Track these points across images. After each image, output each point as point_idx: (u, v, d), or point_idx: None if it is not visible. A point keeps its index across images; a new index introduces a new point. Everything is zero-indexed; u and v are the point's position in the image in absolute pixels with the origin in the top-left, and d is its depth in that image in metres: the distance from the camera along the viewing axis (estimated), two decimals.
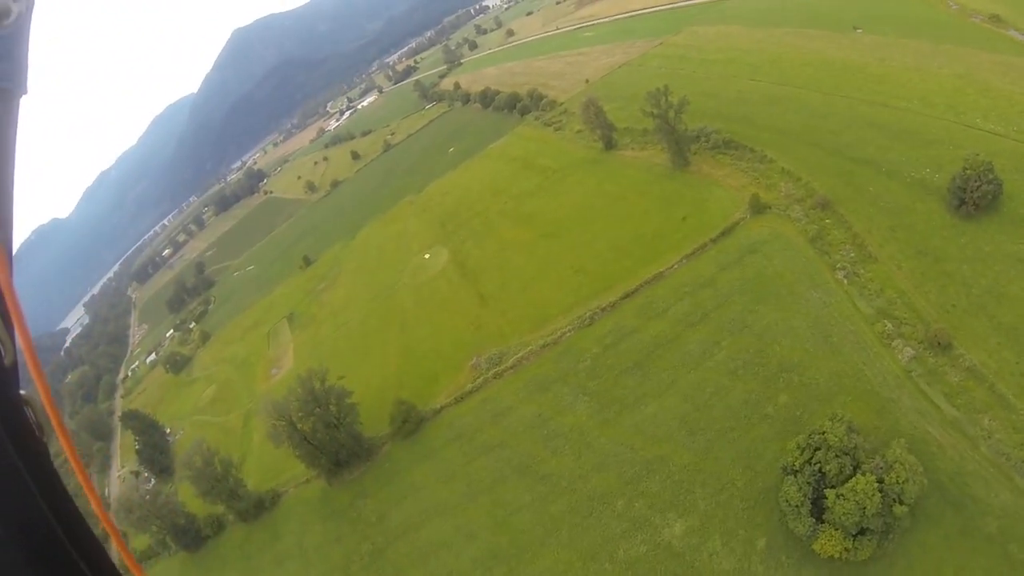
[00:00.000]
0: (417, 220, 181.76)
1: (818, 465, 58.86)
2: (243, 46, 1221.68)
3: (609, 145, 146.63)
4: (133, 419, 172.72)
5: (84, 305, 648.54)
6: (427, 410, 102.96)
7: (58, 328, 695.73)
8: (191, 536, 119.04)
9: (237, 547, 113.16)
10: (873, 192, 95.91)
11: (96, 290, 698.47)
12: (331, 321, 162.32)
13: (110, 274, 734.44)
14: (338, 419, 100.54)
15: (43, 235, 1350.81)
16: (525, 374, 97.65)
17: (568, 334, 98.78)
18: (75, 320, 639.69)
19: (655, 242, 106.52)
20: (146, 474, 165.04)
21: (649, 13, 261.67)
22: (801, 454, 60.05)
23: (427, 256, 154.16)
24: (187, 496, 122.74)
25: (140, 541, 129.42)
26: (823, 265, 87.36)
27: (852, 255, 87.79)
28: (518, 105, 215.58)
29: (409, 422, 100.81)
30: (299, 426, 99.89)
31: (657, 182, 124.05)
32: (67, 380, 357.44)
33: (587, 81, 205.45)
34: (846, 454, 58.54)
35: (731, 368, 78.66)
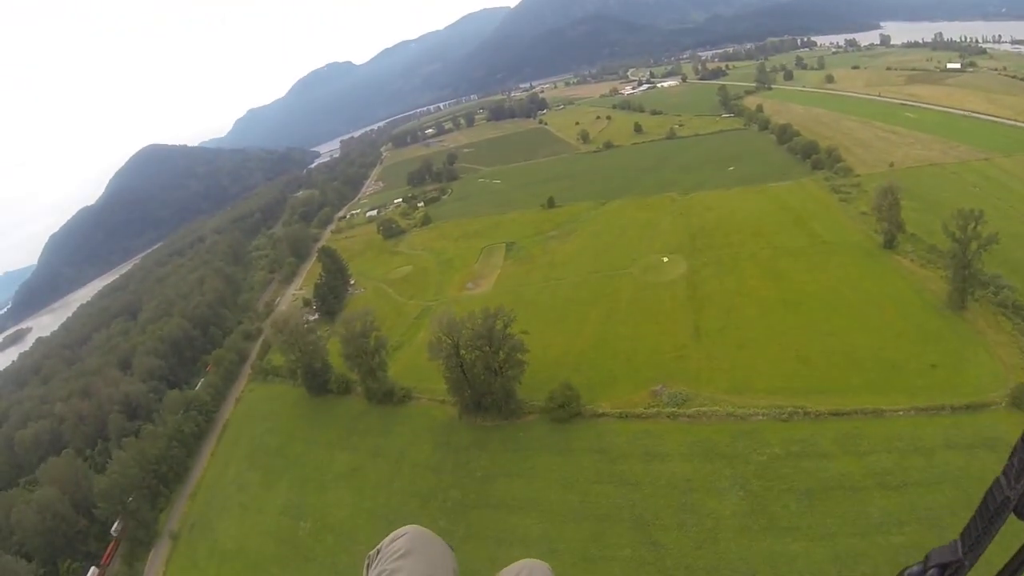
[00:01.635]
0: (671, 221, 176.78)
1: None
2: None
3: (889, 244, 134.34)
4: (328, 256, 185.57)
5: (341, 141, 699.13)
6: (588, 408, 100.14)
7: (311, 149, 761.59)
8: (319, 382, 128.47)
9: (349, 417, 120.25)
10: None
11: (357, 134, 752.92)
12: (546, 270, 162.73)
13: (375, 127, 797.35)
14: (501, 368, 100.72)
15: (337, 69, 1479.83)
16: (698, 431, 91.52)
17: (759, 418, 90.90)
18: (328, 150, 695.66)
19: (892, 373, 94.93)
20: (314, 307, 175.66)
21: (983, 119, 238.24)
22: None
23: (666, 260, 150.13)
24: (334, 347, 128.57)
25: (277, 358, 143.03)
26: None
27: None
28: (813, 156, 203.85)
29: (565, 409, 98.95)
30: (461, 352, 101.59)
31: (923, 310, 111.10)
32: (296, 194, 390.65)
33: (892, 164, 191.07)
34: None
35: (899, 562, 69.37)
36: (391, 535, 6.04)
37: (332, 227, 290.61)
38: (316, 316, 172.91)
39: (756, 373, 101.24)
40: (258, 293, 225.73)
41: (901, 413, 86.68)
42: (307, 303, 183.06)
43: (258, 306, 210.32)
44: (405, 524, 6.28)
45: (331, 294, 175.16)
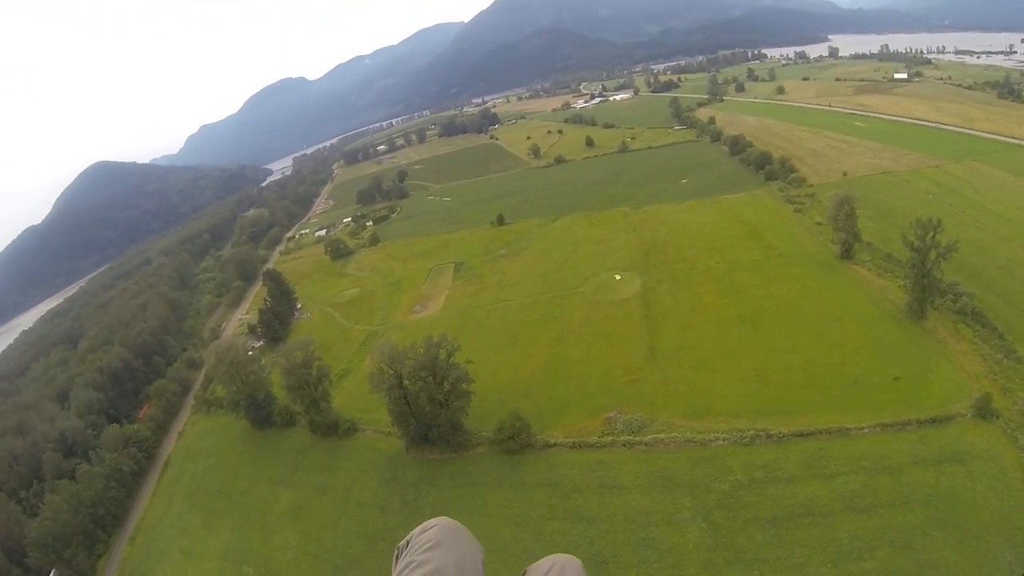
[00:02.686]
0: (624, 236, 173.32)
1: None
2: None
3: (846, 254, 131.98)
4: (273, 279, 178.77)
5: (294, 158, 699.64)
6: (539, 438, 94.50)
7: (264, 166, 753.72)
8: (262, 414, 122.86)
9: (294, 451, 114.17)
10: None
11: (309, 151, 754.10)
12: (495, 290, 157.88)
13: (328, 143, 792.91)
14: (446, 399, 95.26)
15: (290, 85, 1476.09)
16: (656, 460, 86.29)
17: (720, 443, 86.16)
18: (281, 167, 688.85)
19: (855, 389, 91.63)
20: (259, 333, 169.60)
21: (932, 127, 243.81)
22: None
23: (618, 278, 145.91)
24: (279, 377, 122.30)
25: (220, 389, 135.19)
26: None
27: None
28: (767, 167, 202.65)
29: (515, 440, 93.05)
30: (405, 383, 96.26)
31: (883, 321, 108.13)
32: (247, 213, 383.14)
33: (845, 174, 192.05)
34: None
35: None
36: (421, 526, 5.95)
37: (281, 248, 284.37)
38: (261, 343, 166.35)
39: (715, 395, 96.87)
40: (204, 318, 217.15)
41: (866, 430, 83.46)
42: (252, 329, 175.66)
43: (204, 332, 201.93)
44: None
45: (276, 320, 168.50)
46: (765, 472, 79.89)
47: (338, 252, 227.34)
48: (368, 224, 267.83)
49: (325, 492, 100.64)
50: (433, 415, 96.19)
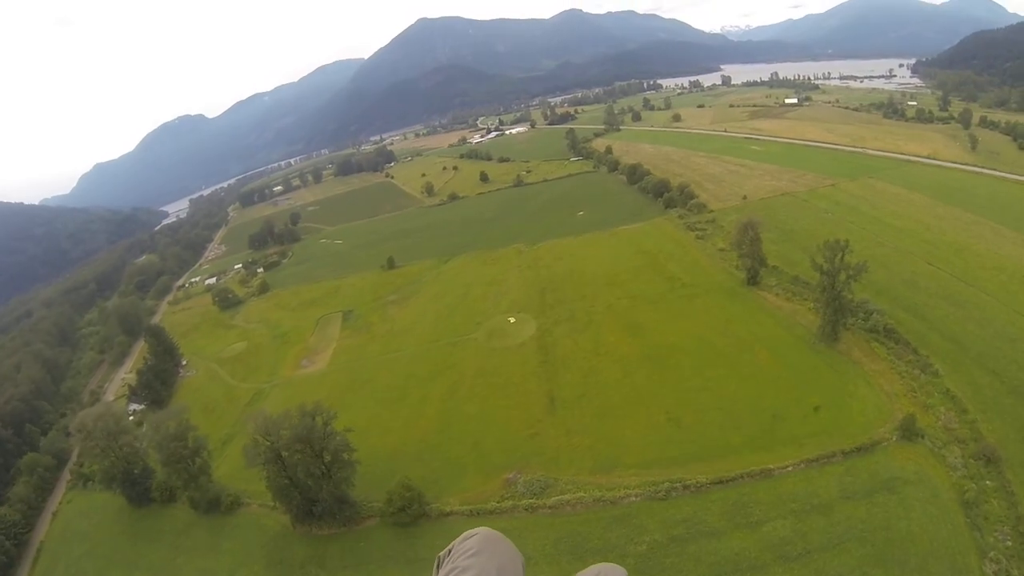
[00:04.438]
0: (518, 275, 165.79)
1: None
2: (423, 36, 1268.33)
3: (752, 280, 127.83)
4: (154, 335, 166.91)
5: (190, 200, 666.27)
6: (434, 507, 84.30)
7: (160, 208, 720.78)
8: (139, 491, 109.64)
9: (174, 532, 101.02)
10: None
11: (207, 192, 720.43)
12: (385, 340, 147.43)
13: (226, 184, 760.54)
14: (327, 472, 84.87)
15: (188, 123, 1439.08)
16: (563, 525, 77.22)
17: (633, 500, 77.77)
18: (177, 209, 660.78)
19: (775, 424, 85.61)
20: (140, 394, 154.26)
21: (825, 148, 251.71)
22: None
23: (512, 320, 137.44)
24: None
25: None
26: (971, 545, 65.26)
27: (1009, 544, 65.98)
28: (665, 195, 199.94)
29: (407, 512, 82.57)
30: (284, 454, 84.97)
31: (796, 348, 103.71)
32: (138, 260, 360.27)
33: (744, 197, 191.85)
34: None
35: None
36: (463, 535, 6.01)
37: (170, 297, 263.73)
38: (142, 406, 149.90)
39: (623, 445, 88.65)
40: (86, 378, 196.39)
41: (790, 469, 78.17)
42: (133, 391, 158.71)
43: (84, 395, 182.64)
44: None
45: (158, 380, 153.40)
46: (685, 528, 72.60)
47: (227, 302, 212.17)
48: (259, 271, 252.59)
49: None
50: (316, 489, 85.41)
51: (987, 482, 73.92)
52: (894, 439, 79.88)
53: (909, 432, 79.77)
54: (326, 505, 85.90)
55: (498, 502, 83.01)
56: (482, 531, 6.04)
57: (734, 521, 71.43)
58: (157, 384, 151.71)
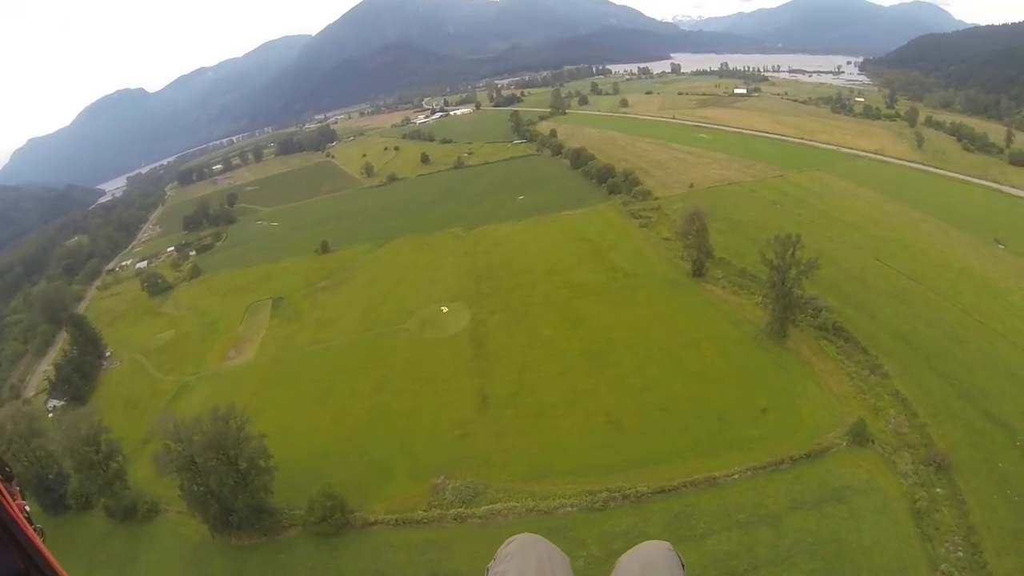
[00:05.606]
0: (454, 261, 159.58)
1: None
2: (372, 13, 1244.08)
3: (698, 272, 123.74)
4: (75, 325, 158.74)
5: (128, 178, 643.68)
6: (358, 516, 77.96)
7: (96, 187, 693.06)
8: (55, 498, 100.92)
9: (91, 542, 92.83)
10: (1003, 471, 72.86)
11: (145, 170, 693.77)
12: (313, 330, 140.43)
13: (165, 162, 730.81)
14: (242, 479, 78.04)
15: (128, 97, 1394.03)
16: (494, 536, 68.04)
17: (569, 510, 72.43)
18: (114, 187, 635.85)
19: (721, 428, 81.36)
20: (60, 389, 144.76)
21: (774, 139, 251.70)
22: None
23: (445, 310, 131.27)
24: None
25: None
26: (923, 557, 62.65)
27: (960, 555, 63.43)
28: (609, 180, 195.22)
29: (328, 522, 76.25)
30: (198, 461, 77.61)
31: (743, 344, 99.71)
32: (67, 243, 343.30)
33: (691, 186, 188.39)
34: None
35: None
36: (506, 541, 5.96)
37: (98, 282, 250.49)
38: (62, 402, 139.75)
39: (559, 449, 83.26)
40: (7, 371, 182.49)
41: (737, 476, 74.19)
42: (53, 386, 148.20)
43: (3, 390, 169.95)
44: None
45: (78, 373, 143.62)
46: (625, 541, 64.38)
47: (156, 287, 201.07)
48: (191, 254, 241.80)
49: None
50: (231, 498, 78.86)
51: (938, 490, 71.42)
52: (844, 444, 76.67)
53: (859, 437, 76.92)
54: (243, 515, 79.40)
55: (425, 511, 77.09)
56: (522, 536, 5.94)
57: (677, 534, 66.82)
58: (77, 378, 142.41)
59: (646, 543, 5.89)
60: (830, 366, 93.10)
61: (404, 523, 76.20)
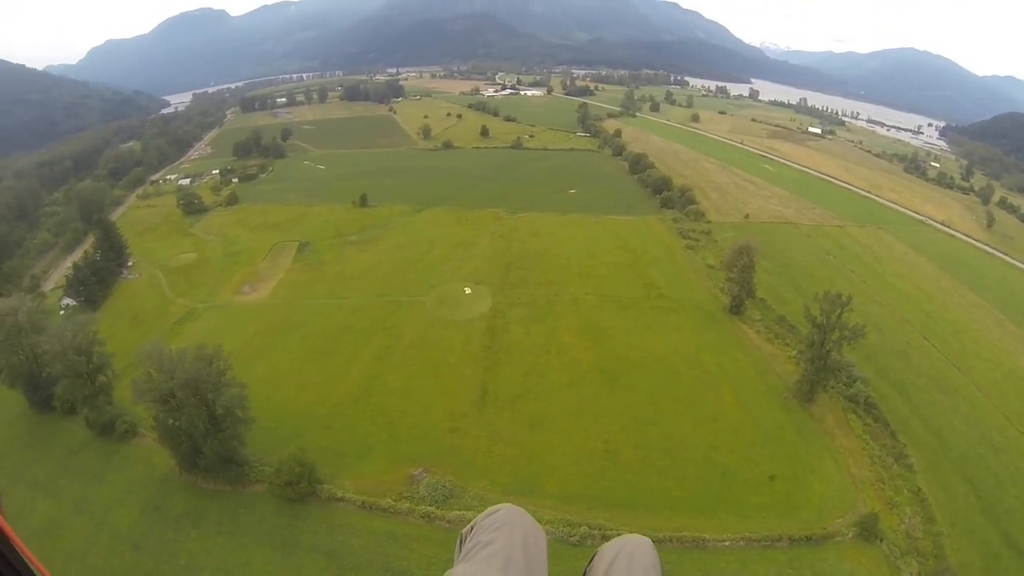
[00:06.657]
0: (489, 242, 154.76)
1: None
2: None
3: (736, 308, 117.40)
4: (103, 229, 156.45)
5: (194, 95, 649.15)
6: (326, 489, 74.03)
7: (161, 97, 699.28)
8: (42, 396, 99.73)
9: (67, 449, 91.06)
10: None
11: (212, 90, 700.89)
12: (332, 283, 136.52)
13: (232, 85, 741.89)
14: (214, 426, 74.49)
15: (210, 16, 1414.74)
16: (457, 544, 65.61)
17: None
18: (179, 101, 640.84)
19: (722, 486, 75.23)
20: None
21: (840, 186, 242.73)
22: None
23: (468, 291, 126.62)
24: None
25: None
26: None
27: None
28: (664, 193, 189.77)
29: (294, 488, 72.40)
30: (179, 395, 73.78)
31: (766, 398, 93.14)
32: (120, 146, 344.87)
33: (747, 216, 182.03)
34: None
35: None
36: (486, 511, 6.00)
37: (140, 191, 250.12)
38: (75, 302, 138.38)
39: (549, 468, 77.82)
40: (33, 260, 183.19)
41: (728, 543, 67.79)
42: (69, 284, 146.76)
43: (25, 278, 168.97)
44: None
45: (94, 277, 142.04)
46: None
47: (191, 207, 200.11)
48: (233, 181, 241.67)
49: (83, 511, 77.91)
50: (200, 441, 75.53)
51: None
52: (850, 535, 69.69)
53: (868, 531, 69.66)
54: (210, 460, 76.23)
55: (395, 500, 72.53)
56: (506, 507, 5.93)
57: None
58: (93, 282, 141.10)
59: (628, 536, 5.81)
60: (853, 443, 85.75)
61: (370, 508, 71.99)
